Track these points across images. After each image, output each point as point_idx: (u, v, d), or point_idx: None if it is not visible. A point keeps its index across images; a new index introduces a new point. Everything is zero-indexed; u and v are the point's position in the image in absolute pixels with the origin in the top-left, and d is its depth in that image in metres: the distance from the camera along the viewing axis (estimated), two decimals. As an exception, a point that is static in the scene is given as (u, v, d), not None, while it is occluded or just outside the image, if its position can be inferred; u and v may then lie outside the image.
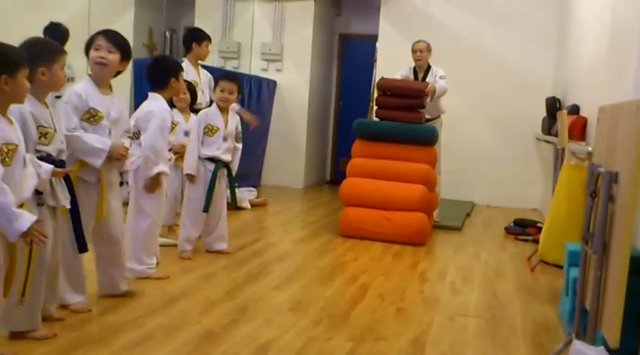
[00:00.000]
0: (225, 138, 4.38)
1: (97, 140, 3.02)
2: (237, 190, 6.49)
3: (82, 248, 2.95)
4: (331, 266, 4.55)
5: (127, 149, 3.22)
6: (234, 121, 4.50)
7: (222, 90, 4.37)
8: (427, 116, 5.95)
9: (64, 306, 3.04)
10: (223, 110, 4.42)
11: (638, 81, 3.40)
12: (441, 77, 6.06)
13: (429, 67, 6.17)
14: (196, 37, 5.46)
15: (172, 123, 4.18)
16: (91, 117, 3.01)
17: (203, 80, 5.52)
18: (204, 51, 5.48)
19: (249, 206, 6.50)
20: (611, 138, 2.67)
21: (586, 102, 5.32)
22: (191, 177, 4.31)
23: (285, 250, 4.87)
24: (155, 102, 3.75)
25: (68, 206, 2.79)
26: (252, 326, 3.10)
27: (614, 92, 3.92)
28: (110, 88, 3.17)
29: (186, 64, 5.27)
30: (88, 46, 3.11)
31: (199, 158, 4.32)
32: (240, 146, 4.58)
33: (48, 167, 2.59)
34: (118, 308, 3.20)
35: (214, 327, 3.03)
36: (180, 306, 3.32)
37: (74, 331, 2.85)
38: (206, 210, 4.32)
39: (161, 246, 4.10)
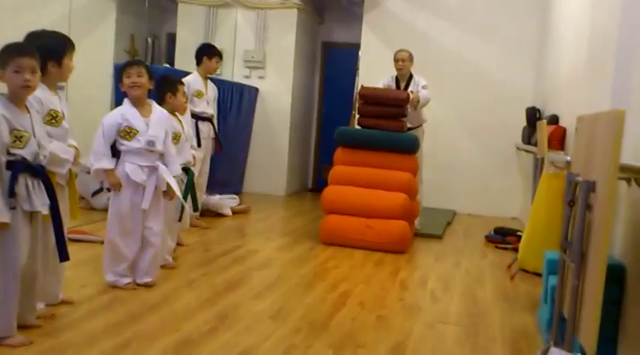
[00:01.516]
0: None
1: (62, 150, 2.96)
2: (218, 197, 6.55)
3: (63, 256, 2.88)
4: (312, 274, 4.54)
5: (77, 150, 3.13)
6: (187, 124, 4.65)
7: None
8: (409, 125, 5.99)
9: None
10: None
11: (616, 91, 3.45)
12: (423, 87, 6.11)
13: (411, 76, 6.21)
14: (208, 52, 5.85)
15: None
16: (52, 118, 2.98)
17: (209, 92, 5.90)
18: (213, 66, 5.90)
19: (230, 213, 6.48)
20: (589, 147, 2.70)
21: (565, 112, 5.39)
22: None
23: (267, 258, 4.86)
24: None
25: (45, 211, 2.74)
26: (232, 333, 3.08)
27: (592, 102, 3.98)
28: (55, 89, 3.14)
29: (195, 75, 5.77)
30: (63, 51, 3.08)
31: None
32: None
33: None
34: (97, 316, 3.16)
35: (193, 335, 3.01)
36: (159, 314, 3.30)
37: (51, 338, 2.81)
38: (180, 219, 4.34)
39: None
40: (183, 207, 4.41)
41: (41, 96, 2.94)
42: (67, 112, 3.12)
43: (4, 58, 2.66)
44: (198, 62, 5.80)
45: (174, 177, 3.74)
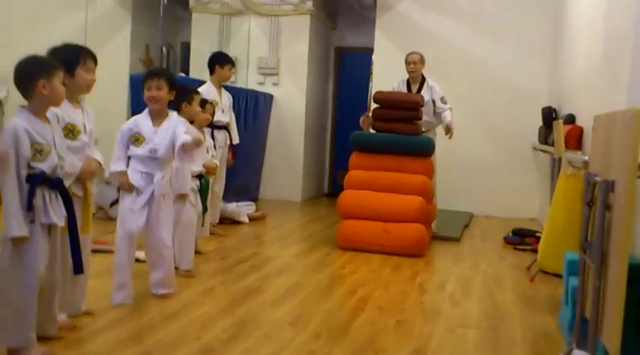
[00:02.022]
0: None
1: (68, 164, 2.92)
2: (235, 204, 6.59)
3: (79, 269, 2.88)
4: (330, 280, 4.54)
5: (98, 164, 3.14)
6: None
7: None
8: (422, 128, 6.01)
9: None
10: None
11: (632, 90, 3.42)
12: (442, 100, 6.10)
13: (423, 80, 6.21)
14: (220, 61, 5.88)
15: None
16: (69, 132, 2.99)
17: (224, 100, 5.94)
18: (226, 74, 5.91)
19: (247, 220, 6.50)
20: (606, 146, 2.68)
21: (582, 111, 5.35)
22: (185, 196, 4.32)
23: (284, 264, 4.86)
24: None
25: (61, 224, 2.75)
26: (252, 341, 3.09)
27: (608, 101, 3.94)
28: (78, 101, 3.16)
29: (208, 84, 5.81)
30: (75, 63, 3.10)
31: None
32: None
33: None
34: (117, 326, 3.18)
35: (213, 343, 3.02)
36: (179, 323, 3.31)
37: (73, 349, 2.83)
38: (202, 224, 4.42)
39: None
40: (204, 215, 4.46)
41: (57, 110, 2.97)
42: (91, 126, 3.14)
43: None
44: (211, 71, 5.83)
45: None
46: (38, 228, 2.67)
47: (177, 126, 3.63)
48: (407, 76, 6.26)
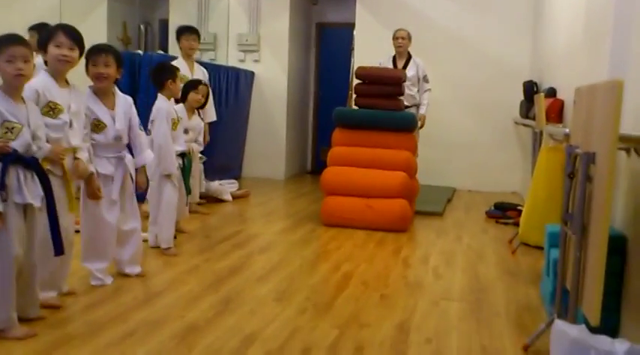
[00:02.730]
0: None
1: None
2: (218, 182, 6.57)
3: (59, 250, 2.84)
4: (315, 256, 4.55)
5: (67, 150, 3.02)
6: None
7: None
8: (406, 103, 6.12)
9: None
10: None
11: (613, 62, 3.43)
12: (425, 79, 6.43)
13: (409, 57, 6.44)
14: (181, 32, 5.74)
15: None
16: (50, 110, 2.94)
17: (197, 76, 5.70)
18: (189, 44, 5.69)
19: (230, 198, 6.48)
20: (587, 119, 2.69)
21: (562, 84, 5.36)
22: (170, 176, 4.29)
23: (268, 241, 4.87)
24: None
25: (37, 204, 2.72)
26: (237, 317, 3.09)
27: (589, 74, 3.96)
28: (67, 81, 3.10)
29: (179, 59, 5.64)
30: (46, 41, 3.03)
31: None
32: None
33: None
34: (101, 305, 3.17)
35: (198, 320, 3.02)
36: (163, 301, 3.31)
37: (56, 329, 2.82)
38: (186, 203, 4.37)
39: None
40: (188, 194, 4.44)
41: (39, 87, 2.92)
42: (78, 106, 3.09)
43: None
44: (179, 45, 5.69)
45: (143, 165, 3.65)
46: (12, 207, 2.64)
47: (134, 116, 3.55)
48: (392, 51, 6.40)
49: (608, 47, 3.52)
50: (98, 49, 3.42)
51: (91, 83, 3.43)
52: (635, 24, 3.15)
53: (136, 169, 3.61)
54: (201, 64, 5.94)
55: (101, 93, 3.44)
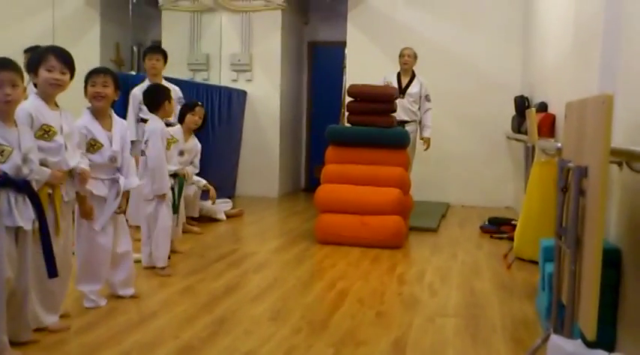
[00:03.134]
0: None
1: (36, 170, 2.83)
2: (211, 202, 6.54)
3: (52, 272, 2.83)
4: (309, 274, 4.53)
5: (66, 173, 3.01)
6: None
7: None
8: (405, 118, 6.60)
9: (40, 329, 2.97)
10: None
11: (603, 76, 3.45)
12: (427, 99, 6.78)
13: (413, 75, 6.77)
14: (144, 53, 5.69)
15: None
16: (44, 133, 2.93)
17: None
18: (150, 64, 5.52)
19: (224, 217, 6.47)
20: (579, 133, 2.70)
21: (554, 99, 5.40)
22: (164, 197, 4.29)
23: (263, 260, 4.85)
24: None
25: (27, 227, 2.70)
26: (232, 337, 3.07)
27: (580, 88, 3.98)
28: (56, 103, 3.10)
29: (146, 81, 5.50)
30: (37, 64, 3.01)
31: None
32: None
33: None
34: (95, 327, 3.14)
35: (193, 341, 3.00)
36: (157, 322, 3.28)
37: (49, 352, 2.79)
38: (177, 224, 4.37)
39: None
40: (177, 214, 4.44)
41: (32, 110, 2.91)
42: (69, 128, 3.08)
43: None
44: (144, 66, 5.63)
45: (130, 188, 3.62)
46: (3, 231, 2.62)
47: (128, 140, 3.57)
48: (392, 69, 6.79)
49: (598, 61, 3.55)
50: (97, 71, 3.49)
51: (84, 104, 3.44)
52: (623, 38, 3.18)
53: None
54: (171, 81, 5.82)
55: (98, 114, 3.44)
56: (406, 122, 6.60)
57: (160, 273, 4.21)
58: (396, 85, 6.65)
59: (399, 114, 6.37)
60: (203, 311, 3.47)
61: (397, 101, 6.13)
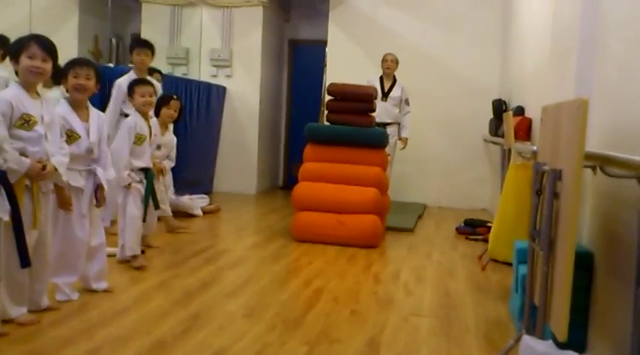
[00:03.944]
0: (158, 147, 4.42)
1: (15, 160, 2.83)
2: (188, 197, 6.50)
3: (25, 262, 2.83)
4: (285, 271, 4.53)
5: (44, 164, 2.96)
6: (155, 127, 4.57)
7: (142, 95, 4.34)
8: (387, 120, 6.87)
9: (6, 321, 2.94)
10: (145, 116, 4.42)
11: (579, 81, 3.50)
12: (407, 102, 7.07)
13: (395, 80, 7.05)
14: (131, 46, 5.61)
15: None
16: (24, 123, 2.89)
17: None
18: (137, 59, 5.44)
19: (201, 213, 6.43)
20: (554, 136, 2.74)
21: (530, 103, 5.46)
22: (130, 187, 4.27)
23: (239, 256, 4.83)
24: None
25: (5, 218, 2.67)
26: (205, 333, 3.05)
27: (556, 93, 4.03)
28: (37, 92, 3.07)
29: (129, 74, 5.44)
30: (18, 51, 2.98)
31: (132, 170, 4.29)
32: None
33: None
34: (66, 321, 3.11)
35: (166, 336, 2.98)
36: (130, 317, 3.25)
37: (20, 345, 2.75)
38: (144, 220, 4.33)
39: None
40: (146, 209, 4.37)
41: (12, 98, 2.87)
42: (50, 117, 3.05)
43: None
44: (131, 59, 5.57)
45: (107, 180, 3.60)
46: None
47: (104, 132, 3.56)
48: (379, 73, 7.03)
49: (574, 66, 3.59)
50: (81, 62, 3.47)
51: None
52: (599, 44, 3.23)
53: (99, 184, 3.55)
54: (155, 75, 5.78)
55: (76, 105, 3.42)
56: (388, 124, 6.84)
57: (132, 265, 4.19)
58: (379, 88, 6.83)
59: (382, 117, 6.69)
60: (177, 306, 3.45)
61: (380, 104, 6.53)
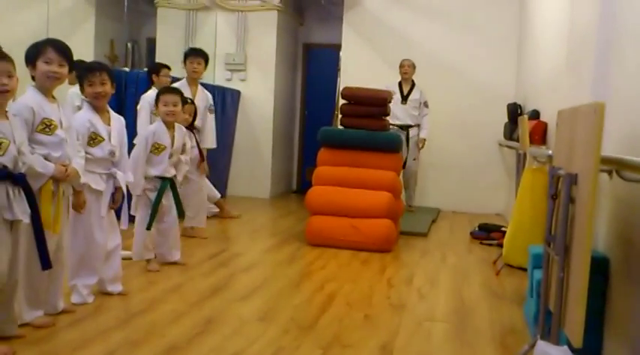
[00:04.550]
0: (170, 156, 4.35)
1: (41, 164, 2.87)
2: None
3: (46, 264, 2.84)
4: (299, 275, 4.53)
5: (67, 168, 3.01)
6: (180, 137, 4.46)
7: (165, 104, 4.33)
8: (409, 122, 7.22)
9: (23, 325, 2.96)
10: (170, 126, 4.38)
11: (595, 85, 3.47)
12: (425, 105, 7.38)
13: (413, 84, 7.33)
14: (185, 55, 5.72)
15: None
16: (45, 127, 2.93)
17: (199, 101, 5.65)
18: (189, 67, 5.65)
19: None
20: (570, 141, 2.72)
21: (546, 107, 5.42)
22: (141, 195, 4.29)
23: (253, 260, 4.84)
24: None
25: (26, 220, 2.70)
26: (219, 338, 3.06)
27: (572, 97, 4.00)
28: (54, 96, 3.09)
29: (182, 81, 5.64)
30: (35, 56, 3.00)
31: (146, 177, 4.27)
32: (185, 158, 4.58)
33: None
34: (81, 323, 3.13)
35: (180, 340, 2.99)
36: (145, 320, 3.27)
37: (35, 347, 2.78)
38: (149, 228, 4.27)
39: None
40: (153, 217, 4.36)
41: (33, 104, 2.91)
42: (68, 122, 3.08)
43: None
44: (185, 68, 5.69)
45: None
46: (1, 224, 2.61)
47: (124, 137, 3.59)
48: (398, 78, 7.31)
49: (591, 70, 3.57)
50: (92, 68, 3.46)
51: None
52: (615, 49, 3.20)
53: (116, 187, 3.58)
54: (205, 86, 5.87)
55: (98, 109, 3.47)
56: (410, 126, 7.26)
57: (148, 268, 4.24)
58: (398, 92, 7.16)
59: (404, 119, 7.22)
60: (191, 310, 3.46)
61: (400, 107, 7.05)
